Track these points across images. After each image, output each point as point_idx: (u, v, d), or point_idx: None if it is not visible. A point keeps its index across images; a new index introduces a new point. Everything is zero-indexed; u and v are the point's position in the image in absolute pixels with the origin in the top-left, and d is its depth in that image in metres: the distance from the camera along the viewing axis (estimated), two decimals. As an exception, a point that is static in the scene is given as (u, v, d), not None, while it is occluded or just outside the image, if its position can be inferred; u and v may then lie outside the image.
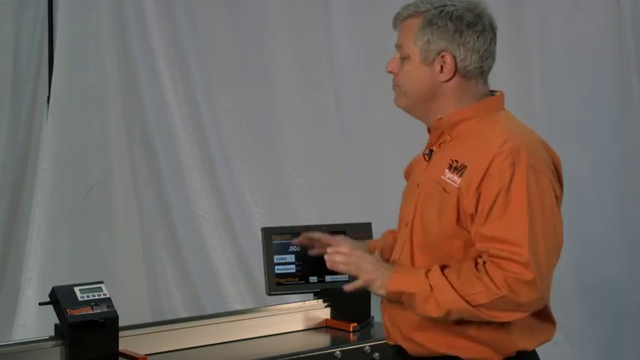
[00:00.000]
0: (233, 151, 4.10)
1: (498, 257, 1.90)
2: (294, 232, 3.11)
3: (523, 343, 2.01)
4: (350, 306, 3.03)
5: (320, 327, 3.02)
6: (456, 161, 1.98)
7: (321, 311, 3.04)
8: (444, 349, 2.01)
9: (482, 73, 2.05)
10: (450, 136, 2.04)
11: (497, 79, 3.85)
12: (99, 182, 3.92)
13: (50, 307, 2.52)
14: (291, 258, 3.09)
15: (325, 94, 4.11)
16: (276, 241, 3.09)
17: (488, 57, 2.04)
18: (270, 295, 3.09)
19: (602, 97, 3.95)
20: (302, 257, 3.10)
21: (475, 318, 1.93)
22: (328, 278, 3.12)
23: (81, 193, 3.89)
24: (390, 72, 2.08)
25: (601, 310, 3.80)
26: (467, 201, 1.94)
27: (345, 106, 4.09)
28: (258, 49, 4.07)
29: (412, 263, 2.04)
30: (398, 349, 2.12)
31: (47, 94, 3.88)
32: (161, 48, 4.00)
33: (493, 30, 2.06)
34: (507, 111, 2.10)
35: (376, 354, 2.78)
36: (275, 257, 3.07)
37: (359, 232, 3.17)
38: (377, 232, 3.22)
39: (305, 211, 4.01)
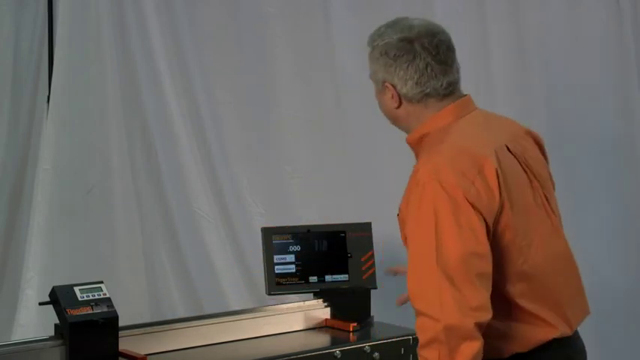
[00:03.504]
0: (233, 151, 4.10)
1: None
2: (294, 232, 3.13)
3: (511, 347, 2.07)
4: (350, 306, 3.03)
5: (320, 327, 3.03)
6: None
7: (321, 311, 3.05)
8: None
9: (429, 94, 2.12)
10: (420, 154, 2.17)
11: (497, 79, 3.86)
12: (99, 182, 3.91)
13: (50, 307, 2.53)
14: (291, 258, 3.10)
15: (325, 94, 4.11)
16: (276, 241, 3.10)
17: (428, 80, 2.12)
18: (270, 295, 3.10)
19: (602, 97, 3.95)
20: (302, 257, 3.11)
21: None
22: (328, 278, 3.13)
23: (81, 193, 3.88)
24: None
25: (601, 310, 3.80)
26: (400, 222, 2.12)
27: (345, 106, 4.09)
28: (258, 49, 4.07)
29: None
30: None
31: (47, 94, 3.87)
32: (161, 48, 4.00)
33: (432, 50, 2.11)
34: (470, 115, 2.16)
35: (376, 354, 2.79)
36: (275, 257, 3.08)
37: (359, 231, 3.18)
38: (377, 232, 3.23)
39: (305, 211, 4.01)
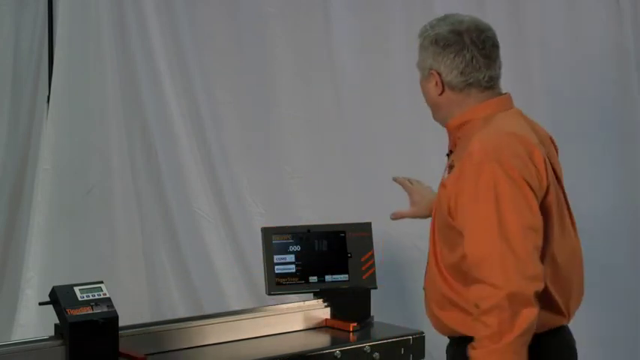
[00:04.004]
0: (233, 151, 4.10)
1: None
2: (294, 232, 3.13)
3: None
4: (350, 306, 3.03)
5: (320, 327, 3.02)
6: (453, 161, 2.25)
7: (321, 311, 3.04)
8: (463, 330, 2.19)
9: (472, 84, 2.26)
10: (459, 139, 2.28)
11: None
12: (99, 182, 3.91)
13: (50, 307, 2.53)
14: (291, 258, 3.10)
15: (325, 94, 4.11)
16: (276, 241, 3.10)
17: (472, 71, 2.25)
18: (270, 295, 3.10)
19: (602, 97, 3.95)
20: (302, 257, 3.11)
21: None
22: (328, 278, 3.13)
23: (81, 193, 3.88)
24: None
25: (600, 307, 3.80)
26: (447, 196, 2.19)
27: (346, 106, 4.09)
28: (258, 49, 4.07)
29: (434, 244, 2.29)
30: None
31: (47, 94, 3.88)
32: (161, 48, 4.00)
33: (478, 44, 2.26)
34: (510, 111, 2.32)
35: (376, 354, 2.79)
36: (275, 257, 3.08)
37: (359, 231, 3.18)
38: (377, 232, 3.23)
39: (305, 211, 4.01)
